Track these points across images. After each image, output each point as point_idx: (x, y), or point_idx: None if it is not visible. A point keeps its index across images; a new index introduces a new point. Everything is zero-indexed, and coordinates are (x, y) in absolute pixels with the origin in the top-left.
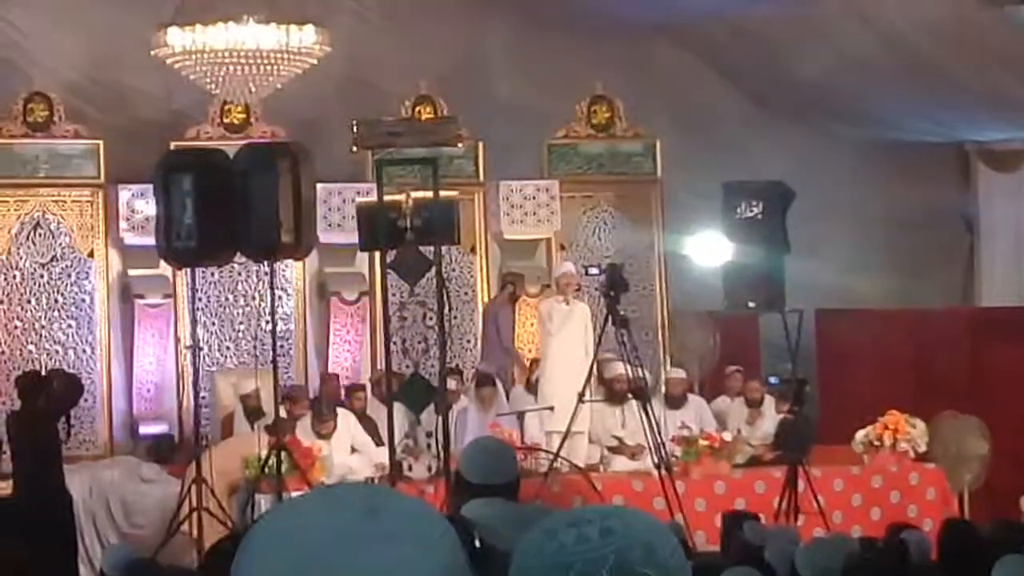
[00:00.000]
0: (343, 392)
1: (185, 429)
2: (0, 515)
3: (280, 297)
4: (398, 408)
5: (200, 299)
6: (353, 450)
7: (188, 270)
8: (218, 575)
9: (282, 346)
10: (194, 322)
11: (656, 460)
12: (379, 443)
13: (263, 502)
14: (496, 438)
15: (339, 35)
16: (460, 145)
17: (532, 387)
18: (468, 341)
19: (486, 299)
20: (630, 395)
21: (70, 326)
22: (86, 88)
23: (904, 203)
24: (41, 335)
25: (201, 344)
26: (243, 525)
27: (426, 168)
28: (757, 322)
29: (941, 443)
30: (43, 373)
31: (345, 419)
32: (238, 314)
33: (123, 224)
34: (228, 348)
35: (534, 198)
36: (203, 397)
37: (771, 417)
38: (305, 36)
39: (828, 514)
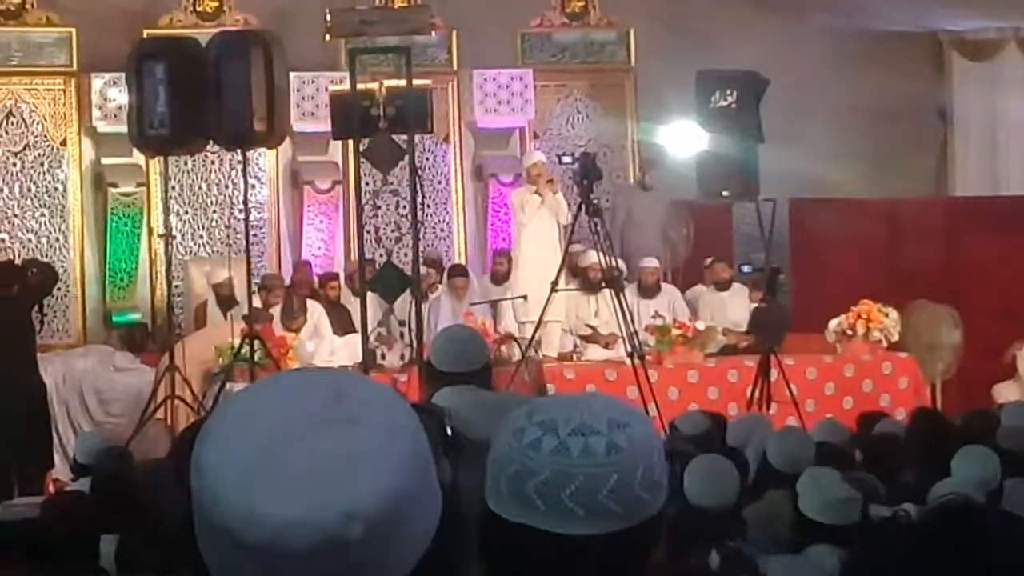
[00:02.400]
0: (316, 281)
1: (158, 318)
2: None
3: (253, 186)
4: (371, 297)
5: (173, 187)
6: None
7: (161, 158)
8: (187, 460)
9: (255, 235)
10: (167, 211)
11: (629, 349)
12: (353, 331)
13: (236, 390)
14: (466, 326)
15: None
16: (433, 33)
17: (502, 279)
18: (441, 230)
19: (459, 188)
20: (604, 284)
21: (43, 215)
22: None
23: (878, 92)
24: (14, 224)
25: (174, 233)
26: None
27: (399, 56)
28: (730, 211)
29: (914, 332)
30: (17, 262)
31: (313, 312)
32: (211, 203)
33: (96, 112)
34: (201, 237)
35: (508, 87)
36: (176, 286)
37: (744, 304)
38: None
39: (801, 403)
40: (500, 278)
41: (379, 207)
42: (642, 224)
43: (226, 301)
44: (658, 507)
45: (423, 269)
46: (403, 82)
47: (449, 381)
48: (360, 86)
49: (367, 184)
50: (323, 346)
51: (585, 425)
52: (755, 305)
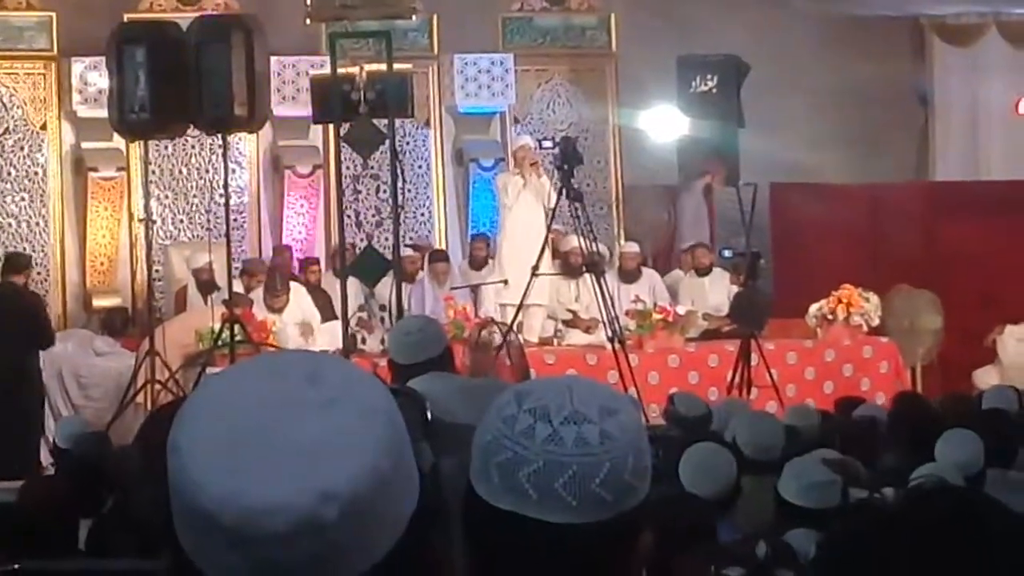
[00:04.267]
0: (297, 265)
1: (139, 302)
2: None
3: (234, 170)
4: (352, 281)
5: (153, 172)
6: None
7: (141, 143)
8: (157, 441)
9: (236, 219)
10: (147, 195)
11: (610, 333)
12: (333, 316)
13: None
14: (418, 316)
15: None
16: (414, 17)
17: (480, 264)
18: (421, 215)
19: (440, 172)
20: (584, 268)
21: (23, 199)
22: None
23: (859, 77)
24: None
25: (154, 217)
26: None
27: (380, 41)
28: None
29: (894, 317)
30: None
31: (297, 293)
32: (192, 187)
33: (76, 97)
34: (182, 221)
35: (488, 71)
36: (157, 270)
37: (724, 289)
38: None
39: (781, 387)
40: (479, 263)
41: (360, 191)
42: (702, 221)
43: (206, 286)
44: (644, 493)
45: (408, 252)
46: (384, 66)
47: (411, 374)
48: (341, 70)
49: (348, 168)
50: (315, 331)
51: (577, 413)
52: (735, 289)
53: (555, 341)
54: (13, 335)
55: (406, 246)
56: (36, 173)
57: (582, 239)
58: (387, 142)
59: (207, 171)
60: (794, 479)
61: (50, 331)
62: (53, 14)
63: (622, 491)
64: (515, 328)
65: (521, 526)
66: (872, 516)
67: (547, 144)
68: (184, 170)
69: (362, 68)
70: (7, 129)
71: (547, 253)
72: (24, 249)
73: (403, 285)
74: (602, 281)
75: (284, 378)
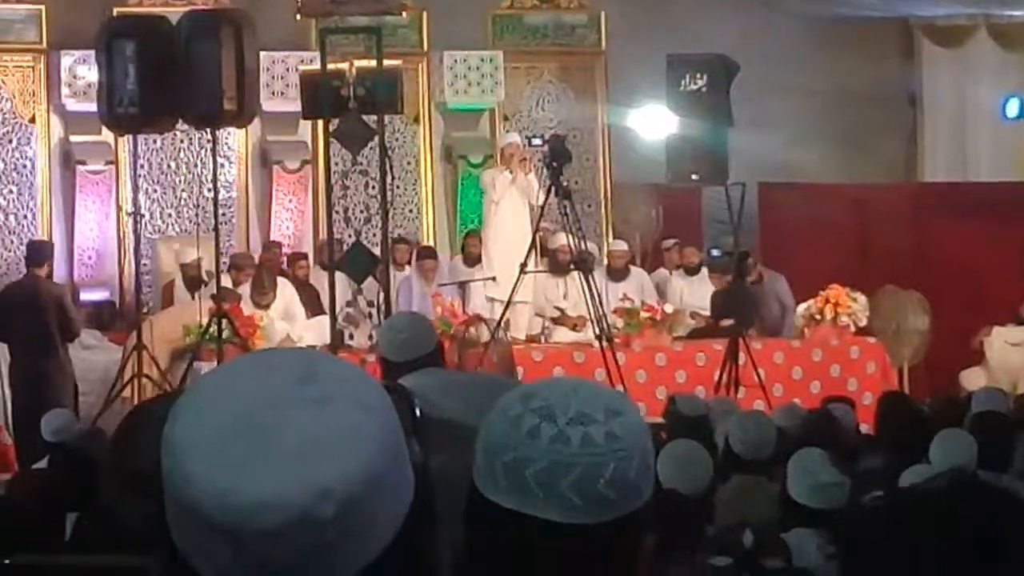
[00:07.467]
0: (285, 261)
1: (126, 296)
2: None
3: (222, 165)
4: (340, 277)
5: (142, 166)
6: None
7: (130, 137)
8: (135, 436)
9: (224, 214)
10: (135, 189)
11: (597, 331)
12: (321, 311)
13: (203, 369)
14: (409, 312)
15: None
16: (404, 14)
17: (475, 261)
18: (410, 211)
19: (428, 169)
20: (572, 266)
21: (11, 192)
22: None
23: (848, 78)
24: None
25: (142, 211)
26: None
27: (370, 37)
28: (700, 195)
29: (882, 317)
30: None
31: (284, 289)
32: (180, 181)
33: (65, 90)
34: (170, 215)
35: (478, 68)
36: (144, 264)
37: (712, 288)
38: None
39: (768, 387)
40: (473, 260)
41: (348, 187)
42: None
43: (194, 281)
44: (649, 495)
45: (398, 245)
46: (373, 62)
47: (401, 371)
48: (330, 66)
49: (336, 164)
50: (296, 326)
51: (583, 414)
52: (714, 290)
53: (542, 338)
54: (39, 328)
55: (395, 241)
56: (24, 166)
57: (570, 237)
58: (376, 138)
59: (195, 166)
60: (803, 479)
61: (76, 323)
62: (43, 7)
63: (627, 491)
64: (503, 325)
65: (526, 526)
66: (893, 515)
67: (536, 141)
68: (172, 164)
69: (352, 64)
70: None
71: (535, 250)
72: (12, 242)
73: (391, 281)
74: (590, 279)
75: (279, 375)
